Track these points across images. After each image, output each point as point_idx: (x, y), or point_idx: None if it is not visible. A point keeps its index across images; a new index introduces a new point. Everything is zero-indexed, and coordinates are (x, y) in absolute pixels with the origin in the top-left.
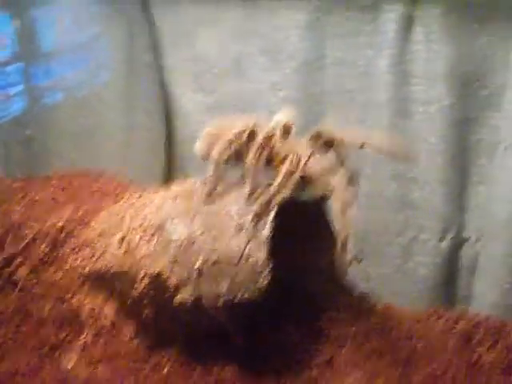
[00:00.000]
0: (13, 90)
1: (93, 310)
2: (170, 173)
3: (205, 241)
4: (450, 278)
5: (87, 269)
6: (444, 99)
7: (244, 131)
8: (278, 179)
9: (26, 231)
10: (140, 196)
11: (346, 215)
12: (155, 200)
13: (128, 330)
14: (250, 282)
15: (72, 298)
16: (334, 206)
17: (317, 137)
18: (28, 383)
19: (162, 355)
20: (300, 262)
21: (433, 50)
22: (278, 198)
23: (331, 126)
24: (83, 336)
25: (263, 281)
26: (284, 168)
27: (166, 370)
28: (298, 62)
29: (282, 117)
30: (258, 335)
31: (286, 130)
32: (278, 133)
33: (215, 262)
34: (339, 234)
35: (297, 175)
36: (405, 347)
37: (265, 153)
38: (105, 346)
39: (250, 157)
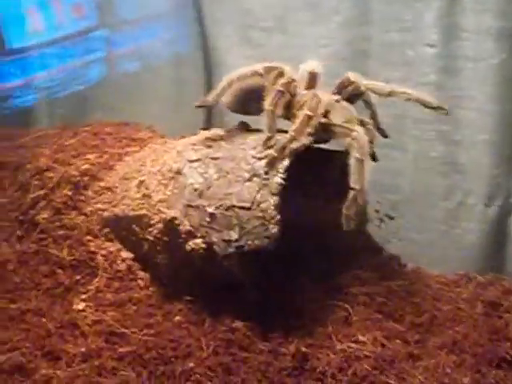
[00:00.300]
0: (93, 57)
1: (110, 254)
2: (211, 126)
3: (220, 185)
4: (496, 245)
5: (106, 213)
6: (495, 55)
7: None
8: (295, 124)
9: (52, 174)
10: (164, 143)
11: (361, 169)
12: (177, 147)
13: (143, 277)
14: (260, 229)
15: (90, 242)
16: (352, 159)
17: (344, 85)
18: (37, 322)
19: (175, 304)
20: (320, 215)
21: (484, 2)
22: (295, 145)
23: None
24: (97, 280)
25: (273, 228)
26: (302, 113)
27: (177, 318)
28: (343, 16)
29: (308, 65)
30: (271, 288)
31: (312, 79)
32: (302, 81)
33: (228, 208)
34: (352, 187)
35: (315, 121)
36: (428, 311)
37: (284, 98)
38: (118, 291)
39: (268, 101)
